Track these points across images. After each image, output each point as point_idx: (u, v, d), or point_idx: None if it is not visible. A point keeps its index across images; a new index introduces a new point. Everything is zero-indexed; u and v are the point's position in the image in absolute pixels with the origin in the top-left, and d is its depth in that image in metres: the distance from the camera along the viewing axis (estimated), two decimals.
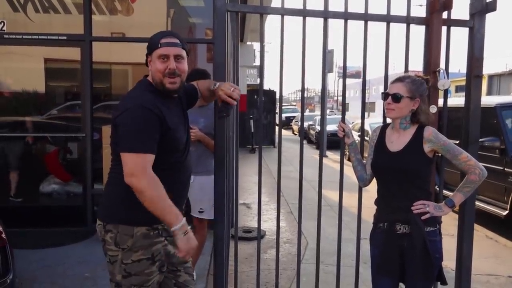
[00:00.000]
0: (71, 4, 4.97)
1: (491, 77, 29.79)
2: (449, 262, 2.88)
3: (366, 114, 2.93)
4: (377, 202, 2.35)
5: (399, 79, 2.24)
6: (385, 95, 2.26)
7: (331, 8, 2.60)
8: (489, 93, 28.90)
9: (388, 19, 2.63)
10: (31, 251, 4.14)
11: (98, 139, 4.93)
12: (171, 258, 2.06)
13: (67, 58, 5.16)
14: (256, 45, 17.13)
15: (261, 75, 2.75)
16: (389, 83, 2.32)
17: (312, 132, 18.89)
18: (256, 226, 2.95)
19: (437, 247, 2.19)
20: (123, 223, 1.91)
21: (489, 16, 2.65)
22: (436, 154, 2.28)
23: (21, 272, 3.72)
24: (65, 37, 4.75)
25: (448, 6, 2.56)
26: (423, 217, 2.15)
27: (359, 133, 2.89)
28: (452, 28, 2.69)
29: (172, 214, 1.81)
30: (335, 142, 13.65)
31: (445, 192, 5.51)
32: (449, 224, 3.79)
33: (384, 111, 2.36)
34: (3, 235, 2.70)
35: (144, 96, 1.90)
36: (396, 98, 2.19)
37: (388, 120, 2.43)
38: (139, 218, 1.89)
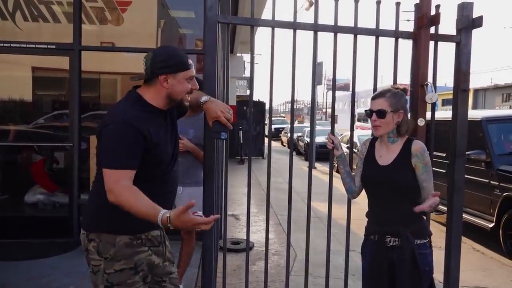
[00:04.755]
0: (61, 13, 4.95)
1: (476, 91, 30.30)
2: (436, 274, 2.89)
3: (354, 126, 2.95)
4: (368, 214, 2.36)
5: (380, 95, 2.24)
6: (369, 112, 2.25)
7: (321, 21, 2.63)
8: (475, 107, 29.36)
9: (377, 33, 2.67)
10: (15, 263, 4.06)
11: (85, 149, 4.88)
12: (155, 268, 2.03)
13: (56, 67, 5.13)
14: (246, 57, 17.28)
15: (251, 86, 2.76)
16: (370, 100, 2.31)
17: (301, 143, 18.95)
18: (245, 238, 2.94)
19: (427, 260, 2.19)
20: (105, 232, 1.89)
21: (474, 32, 2.70)
22: None
23: (5, 284, 3.65)
24: (53, 46, 4.72)
25: (435, 21, 2.61)
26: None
27: (348, 145, 2.91)
28: (439, 43, 2.73)
29: (150, 216, 1.72)
30: (324, 153, 13.68)
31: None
32: (437, 237, 3.80)
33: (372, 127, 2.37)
34: None
35: (131, 111, 1.88)
36: (381, 113, 2.19)
37: None
38: (121, 227, 1.87)
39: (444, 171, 5.81)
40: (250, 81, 2.74)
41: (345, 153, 2.55)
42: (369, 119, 2.28)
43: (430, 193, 2.15)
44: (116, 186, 1.77)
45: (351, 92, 2.82)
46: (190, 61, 1.96)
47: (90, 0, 4.96)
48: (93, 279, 1.93)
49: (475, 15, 2.66)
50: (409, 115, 2.29)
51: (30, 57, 5.02)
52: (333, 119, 2.87)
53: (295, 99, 2.80)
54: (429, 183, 2.19)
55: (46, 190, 5.15)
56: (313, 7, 2.66)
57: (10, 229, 4.72)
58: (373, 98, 2.26)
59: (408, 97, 2.34)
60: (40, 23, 4.95)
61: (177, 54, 1.95)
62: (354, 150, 3.96)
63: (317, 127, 17.77)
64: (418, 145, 2.21)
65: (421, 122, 2.50)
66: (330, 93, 58.30)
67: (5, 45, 4.68)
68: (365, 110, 2.32)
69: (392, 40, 2.75)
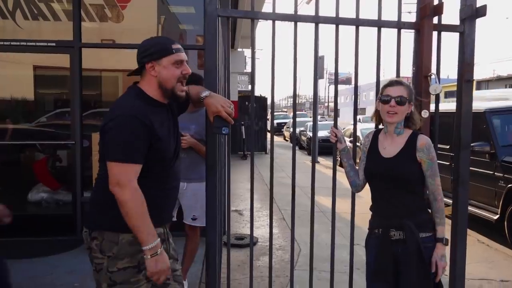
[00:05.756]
0: (61, 11, 4.94)
1: (479, 83, 30.19)
2: None
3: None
4: (371, 208, 2.34)
5: (399, 82, 2.21)
6: (386, 98, 2.18)
7: (322, 14, 2.60)
8: (478, 98, 29.23)
9: (379, 24, 2.64)
10: (18, 261, 4.06)
11: (87, 147, 4.87)
12: None
13: (57, 65, 5.12)
14: (247, 52, 17.22)
15: (252, 81, 2.74)
16: (385, 86, 2.24)
17: (303, 138, 18.91)
18: (248, 233, 2.93)
19: (432, 253, 2.17)
20: (108, 230, 1.88)
21: (477, 22, 2.66)
22: None
23: None
24: (54, 44, 4.70)
25: (439, 11, 2.58)
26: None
27: (351, 138, 2.88)
28: (442, 33, 2.70)
29: (144, 234, 1.80)
30: (327, 148, 13.67)
31: None
32: None
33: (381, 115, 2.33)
34: None
35: (134, 104, 1.87)
36: (401, 101, 2.16)
37: (380, 126, 2.42)
38: (124, 225, 1.85)
39: (447, 163, 5.79)
40: (252, 76, 2.72)
41: (349, 147, 2.52)
42: (383, 106, 2.20)
43: (438, 188, 2.15)
44: (127, 184, 1.77)
45: (353, 86, 2.79)
46: (175, 46, 1.94)
47: None
48: (96, 277, 1.93)
49: (478, 4, 2.62)
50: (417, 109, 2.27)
51: (31, 56, 5.01)
52: (336, 113, 2.84)
53: (297, 93, 2.78)
54: (434, 179, 2.17)
55: (49, 188, 5.16)
56: (313, 0, 2.63)
57: (14, 228, 4.71)
58: (391, 85, 2.20)
59: None
60: (40, 21, 4.94)
61: (159, 41, 1.96)
62: (357, 143, 3.93)
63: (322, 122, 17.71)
64: (423, 140, 2.18)
65: (425, 114, 2.47)
66: (331, 87, 58.28)
67: (5, 43, 4.67)
68: (382, 95, 2.20)
69: (394, 32, 2.72)
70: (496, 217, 5.49)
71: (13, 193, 5.10)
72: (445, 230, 2.21)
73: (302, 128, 19.46)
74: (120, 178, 1.77)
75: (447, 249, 2.75)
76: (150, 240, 1.79)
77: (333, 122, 2.76)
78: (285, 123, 27.73)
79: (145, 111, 1.86)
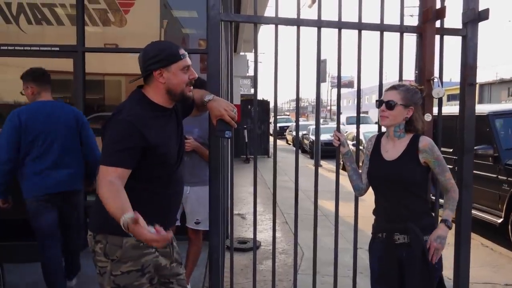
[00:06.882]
0: (64, 15, 4.96)
1: (481, 86, 30.16)
2: (446, 271, 2.86)
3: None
4: (375, 212, 2.33)
5: (393, 87, 2.23)
6: (379, 103, 2.25)
7: (325, 17, 2.61)
8: (480, 101, 29.23)
9: (381, 28, 2.64)
10: (23, 265, 4.06)
11: None
12: (162, 270, 2.03)
13: (60, 70, 5.14)
14: (250, 56, 17.25)
15: (255, 85, 2.74)
16: (383, 92, 2.31)
17: (306, 141, 18.90)
18: (251, 237, 2.93)
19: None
20: (112, 234, 1.88)
21: (479, 25, 2.67)
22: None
23: (12, 286, 3.66)
24: (57, 48, 4.72)
25: (441, 15, 2.58)
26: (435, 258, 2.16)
27: (353, 142, 2.88)
28: (445, 37, 2.70)
29: (118, 216, 1.64)
30: (329, 151, 13.65)
31: (441, 200, 5.52)
32: None
33: (379, 119, 2.36)
34: None
35: (131, 109, 1.87)
36: (390, 105, 2.18)
37: (383, 129, 2.42)
38: None
39: (451, 166, 5.78)
40: (254, 79, 2.72)
41: (352, 150, 2.53)
42: (378, 109, 2.27)
43: (450, 182, 2.21)
44: (101, 180, 1.74)
45: (355, 89, 2.80)
46: (182, 52, 1.93)
47: (93, 2, 4.98)
48: (100, 281, 1.94)
49: (481, 7, 2.62)
50: (421, 114, 2.27)
51: (35, 60, 5.01)
52: (338, 116, 2.84)
53: (300, 97, 2.78)
54: (444, 175, 2.21)
55: None
56: (315, 4, 2.64)
57: (17, 232, 4.73)
58: (387, 89, 2.26)
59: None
60: (44, 26, 4.96)
61: (167, 47, 1.93)
62: (360, 147, 3.93)
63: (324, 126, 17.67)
64: (426, 141, 2.18)
65: (428, 117, 2.48)
66: (334, 90, 58.22)
67: (9, 48, 4.69)
68: (376, 101, 2.31)
69: (396, 36, 2.72)
70: (500, 220, 5.47)
71: (18, 197, 5.11)
72: (452, 216, 2.21)
73: (304, 132, 19.46)
74: (98, 179, 1.75)
75: (451, 253, 2.75)
76: (119, 220, 1.62)
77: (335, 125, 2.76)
78: (288, 126, 27.74)
79: (142, 116, 1.85)
